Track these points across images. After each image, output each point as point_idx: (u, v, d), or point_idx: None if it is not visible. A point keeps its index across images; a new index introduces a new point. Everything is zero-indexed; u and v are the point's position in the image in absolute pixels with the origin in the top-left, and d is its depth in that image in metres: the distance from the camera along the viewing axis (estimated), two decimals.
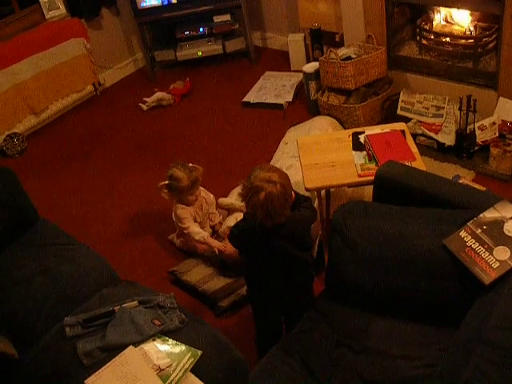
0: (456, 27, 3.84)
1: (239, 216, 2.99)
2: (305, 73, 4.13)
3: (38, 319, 2.31)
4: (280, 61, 5.05)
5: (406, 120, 3.52)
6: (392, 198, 2.18)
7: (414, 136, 3.44)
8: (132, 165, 4.10)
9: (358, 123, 3.78)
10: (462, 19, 3.79)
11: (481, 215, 1.90)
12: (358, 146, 2.73)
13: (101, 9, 4.93)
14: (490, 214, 1.90)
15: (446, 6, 3.76)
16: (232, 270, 2.93)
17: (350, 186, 2.81)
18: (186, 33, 5.05)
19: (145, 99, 4.72)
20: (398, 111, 3.76)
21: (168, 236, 3.33)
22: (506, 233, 1.84)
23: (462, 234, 1.89)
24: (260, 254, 2.11)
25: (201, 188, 3.14)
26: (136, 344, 2.02)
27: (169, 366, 1.94)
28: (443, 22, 3.90)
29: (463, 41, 3.79)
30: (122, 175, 4.00)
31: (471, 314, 1.78)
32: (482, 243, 1.84)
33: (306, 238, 2.17)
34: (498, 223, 1.87)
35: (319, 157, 2.72)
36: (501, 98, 3.47)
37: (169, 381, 1.90)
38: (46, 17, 4.62)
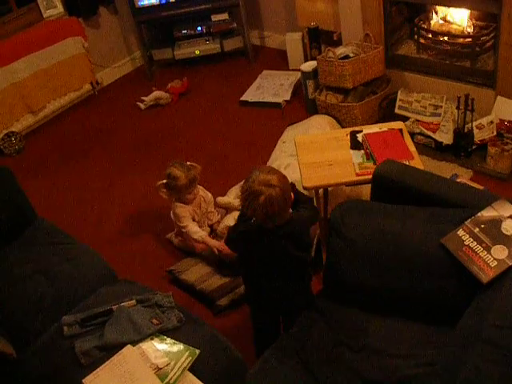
0: (454, 26, 3.84)
1: (237, 215, 2.99)
2: (303, 72, 4.13)
3: (35, 318, 2.30)
4: (278, 60, 5.05)
5: (404, 119, 3.52)
6: (390, 197, 2.18)
7: (412, 135, 3.44)
8: (130, 164, 4.09)
9: (356, 122, 3.78)
10: (460, 18, 3.79)
11: (478, 214, 1.90)
12: (355, 144, 2.73)
13: (98, 7, 4.92)
14: (487, 213, 1.90)
15: (443, 5, 3.76)
16: (230, 269, 2.93)
17: (347, 184, 2.82)
18: (184, 32, 5.05)
19: (143, 98, 4.72)
20: (396, 110, 3.76)
21: (166, 235, 3.33)
22: (504, 231, 1.84)
23: (460, 232, 1.89)
24: (259, 256, 2.10)
25: (199, 187, 3.14)
26: (134, 343, 2.03)
27: (167, 365, 1.94)
28: (441, 21, 3.90)
29: (461, 40, 3.79)
30: (119, 174, 4.00)
31: (469, 313, 1.78)
32: (479, 242, 1.84)
33: (306, 238, 2.17)
34: (496, 222, 1.87)
35: (317, 156, 2.72)
36: (498, 97, 3.47)
37: (167, 380, 1.90)
38: (44, 16, 4.61)
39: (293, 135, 3.40)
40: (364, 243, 2.05)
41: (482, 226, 1.87)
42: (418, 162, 2.56)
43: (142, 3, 4.78)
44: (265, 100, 4.46)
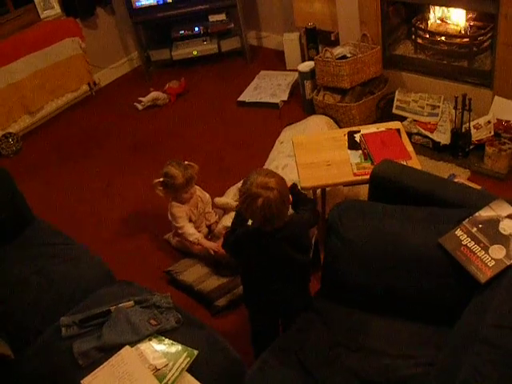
0: (451, 26, 3.84)
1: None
2: (300, 72, 4.13)
3: (33, 319, 2.30)
4: (275, 60, 5.05)
5: (402, 119, 3.53)
6: (387, 197, 2.18)
7: (410, 135, 3.44)
8: (127, 164, 4.09)
9: (354, 122, 3.78)
10: (458, 18, 3.79)
11: (476, 214, 1.91)
12: (353, 145, 2.73)
13: (96, 8, 4.92)
14: (485, 213, 1.90)
15: (441, 5, 3.76)
16: (227, 270, 2.93)
17: (345, 185, 2.82)
18: (182, 32, 5.05)
19: (140, 99, 4.72)
20: (394, 110, 3.76)
21: (164, 235, 3.32)
22: (502, 231, 1.84)
23: (458, 232, 1.89)
24: (258, 259, 2.10)
25: (196, 187, 3.14)
26: (132, 344, 2.02)
27: (165, 366, 1.94)
28: (438, 21, 3.90)
29: (458, 40, 3.80)
30: (117, 175, 3.99)
31: (467, 313, 1.78)
32: (477, 242, 1.85)
33: (305, 241, 2.16)
34: (494, 222, 1.87)
35: (315, 156, 2.72)
36: (496, 97, 3.47)
37: (165, 380, 1.90)
38: (41, 16, 4.61)
39: (290, 135, 3.40)
40: (362, 243, 2.06)
41: (480, 225, 1.88)
42: (415, 162, 2.56)
43: (140, 4, 4.78)
44: (262, 100, 4.46)
